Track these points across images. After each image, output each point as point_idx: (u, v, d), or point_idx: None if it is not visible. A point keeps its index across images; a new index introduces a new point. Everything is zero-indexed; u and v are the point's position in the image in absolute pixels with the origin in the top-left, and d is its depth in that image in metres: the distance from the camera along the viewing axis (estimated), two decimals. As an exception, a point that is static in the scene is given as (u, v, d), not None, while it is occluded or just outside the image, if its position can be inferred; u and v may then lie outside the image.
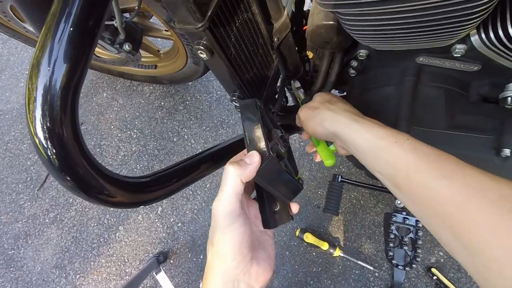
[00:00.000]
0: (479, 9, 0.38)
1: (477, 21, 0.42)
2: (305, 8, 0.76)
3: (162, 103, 1.42)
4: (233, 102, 0.54)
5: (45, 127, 0.30)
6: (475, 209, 0.27)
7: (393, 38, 0.51)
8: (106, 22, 0.72)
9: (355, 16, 0.46)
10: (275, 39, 0.58)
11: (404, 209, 0.74)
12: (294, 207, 0.40)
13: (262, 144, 0.35)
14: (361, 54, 0.63)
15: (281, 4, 0.56)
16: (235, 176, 0.32)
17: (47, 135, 0.30)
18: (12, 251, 1.21)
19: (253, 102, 0.40)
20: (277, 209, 0.41)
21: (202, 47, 0.41)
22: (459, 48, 0.51)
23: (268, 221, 0.40)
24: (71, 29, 0.31)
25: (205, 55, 0.42)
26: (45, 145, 0.31)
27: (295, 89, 0.75)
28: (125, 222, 1.20)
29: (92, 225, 1.22)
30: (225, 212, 0.32)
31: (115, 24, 0.66)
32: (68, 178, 0.32)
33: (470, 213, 0.27)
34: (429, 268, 0.96)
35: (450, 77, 0.59)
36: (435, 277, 0.93)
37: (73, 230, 1.22)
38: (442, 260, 0.99)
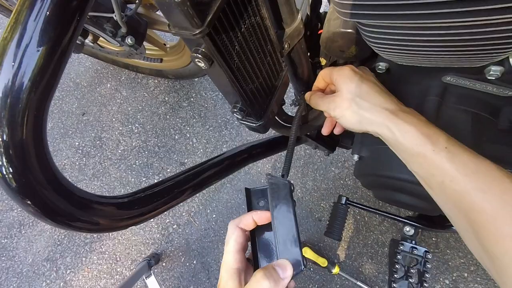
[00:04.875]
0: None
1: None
2: (321, 10, 0.70)
3: (166, 98, 1.37)
4: (234, 114, 0.49)
5: (0, 138, 0.25)
6: (504, 224, 0.29)
7: (419, 55, 0.45)
8: (107, 14, 0.67)
9: (378, 28, 0.41)
10: (286, 46, 0.52)
11: (413, 237, 0.68)
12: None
13: (296, 252, 0.32)
14: (380, 67, 0.58)
15: (295, 7, 0.50)
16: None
17: (2, 150, 0.25)
18: (5, 240, 1.19)
19: (287, 186, 0.35)
20: None
21: (200, 55, 0.36)
22: (495, 71, 0.45)
23: None
24: (48, 10, 0.25)
25: (203, 64, 0.37)
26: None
27: None
28: (120, 219, 1.17)
29: (87, 219, 1.19)
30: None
31: (115, 17, 0.61)
32: (29, 203, 0.27)
33: (499, 226, 0.30)
34: (433, 295, 0.91)
35: (479, 100, 0.53)
36: (438, 306, 0.88)
37: (67, 223, 1.19)
38: (447, 288, 0.93)
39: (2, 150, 0.25)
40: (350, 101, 0.44)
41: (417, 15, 0.33)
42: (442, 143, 0.36)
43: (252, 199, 0.39)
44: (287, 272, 0.31)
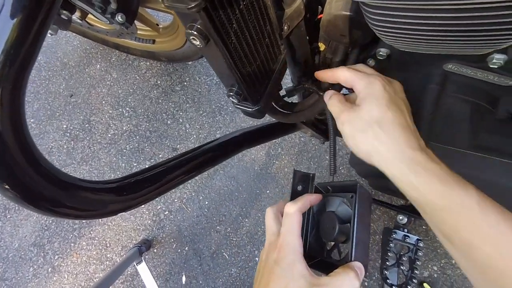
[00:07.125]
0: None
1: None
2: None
3: (158, 82, 1.33)
4: (230, 98, 0.47)
5: None
6: None
7: (423, 40, 0.43)
8: (94, -12, 0.63)
9: (382, 9, 0.39)
10: (285, 28, 0.50)
11: (405, 225, 0.69)
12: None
13: (366, 260, 0.35)
14: (381, 53, 0.56)
15: (296, -14, 0.48)
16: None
17: None
18: (-10, 224, 1.16)
19: (370, 199, 0.39)
20: None
21: (195, 33, 0.33)
22: (498, 59, 0.44)
23: None
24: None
25: (198, 43, 0.34)
26: None
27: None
28: (110, 205, 1.15)
29: (76, 204, 1.16)
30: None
31: (103, -9, 0.57)
32: (7, 187, 0.25)
33: None
34: (421, 282, 0.93)
35: (479, 89, 0.52)
36: (426, 292, 0.90)
37: (56, 207, 1.17)
38: (435, 275, 0.95)
39: None
40: (367, 126, 0.37)
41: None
42: (474, 198, 0.31)
43: (295, 181, 0.43)
44: (362, 275, 0.33)
